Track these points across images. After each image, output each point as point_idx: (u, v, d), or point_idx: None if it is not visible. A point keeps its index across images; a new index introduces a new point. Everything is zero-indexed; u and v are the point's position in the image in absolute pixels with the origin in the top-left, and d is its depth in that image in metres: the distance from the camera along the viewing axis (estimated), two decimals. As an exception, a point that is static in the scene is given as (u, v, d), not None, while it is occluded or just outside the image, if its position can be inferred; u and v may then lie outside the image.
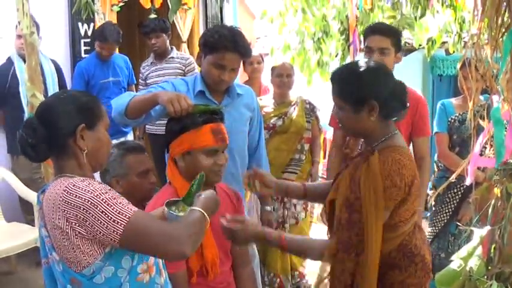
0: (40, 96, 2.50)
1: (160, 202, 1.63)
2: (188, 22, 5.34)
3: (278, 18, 4.58)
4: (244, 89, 2.43)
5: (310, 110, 3.46)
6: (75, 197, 1.29)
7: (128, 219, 1.28)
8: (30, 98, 2.53)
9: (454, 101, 3.21)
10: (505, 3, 1.41)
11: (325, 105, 3.07)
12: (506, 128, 1.49)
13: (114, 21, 4.48)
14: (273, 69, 3.48)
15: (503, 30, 1.44)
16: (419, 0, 4.08)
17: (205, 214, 1.39)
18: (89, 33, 4.52)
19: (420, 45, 4.41)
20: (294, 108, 3.40)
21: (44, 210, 1.37)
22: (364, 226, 1.62)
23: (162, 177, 3.04)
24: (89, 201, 1.28)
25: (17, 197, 3.82)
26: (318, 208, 4.12)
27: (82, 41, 4.54)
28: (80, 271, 1.33)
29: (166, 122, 1.92)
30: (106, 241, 1.30)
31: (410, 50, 5.20)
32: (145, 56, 5.25)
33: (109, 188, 1.36)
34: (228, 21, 5.59)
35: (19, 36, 3.57)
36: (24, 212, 3.89)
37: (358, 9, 4.16)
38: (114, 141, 2.43)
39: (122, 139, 4.10)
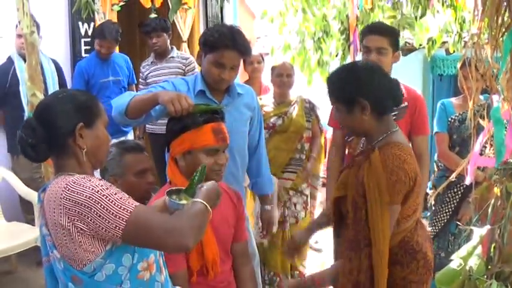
0: (40, 96, 2.51)
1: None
2: (188, 22, 5.35)
3: (278, 18, 4.58)
4: (244, 88, 2.43)
5: (310, 109, 3.46)
6: (77, 193, 1.29)
7: (129, 214, 1.29)
8: (30, 97, 2.54)
9: (454, 100, 3.21)
10: (505, 3, 1.41)
11: (325, 105, 3.07)
12: (506, 127, 1.49)
13: (115, 20, 4.48)
14: (273, 68, 3.48)
15: (504, 29, 1.44)
16: (419, 0, 4.08)
17: (208, 206, 1.39)
18: (89, 32, 4.52)
19: (420, 45, 4.41)
20: (294, 108, 3.40)
21: (45, 208, 1.37)
22: (369, 223, 1.64)
23: (162, 176, 3.04)
24: (90, 197, 1.29)
25: (17, 196, 3.82)
26: (318, 208, 4.12)
27: (82, 40, 4.54)
28: (81, 269, 1.34)
29: (166, 121, 1.93)
30: (108, 237, 1.31)
31: (411, 49, 5.20)
32: (145, 55, 5.25)
33: (109, 184, 1.36)
34: (228, 21, 5.60)
35: (19, 36, 3.57)
36: (24, 211, 3.89)
37: (358, 9, 4.16)
38: (114, 141, 2.43)
39: (122, 138, 4.10)
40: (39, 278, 3.48)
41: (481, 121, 1.64)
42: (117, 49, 4.41)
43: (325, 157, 3.67)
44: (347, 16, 4.29)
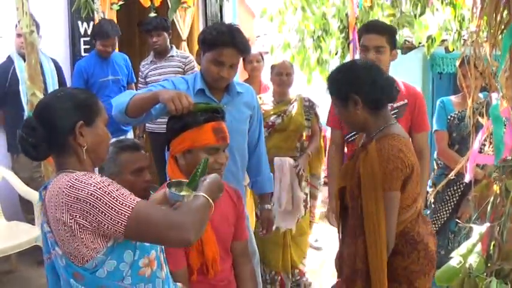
0: (40, 95, 2.51)
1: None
2: (188, 20, 5.34)
3: (278, 16, 4.57)
4: (244, 87, 2.43)
5: (309, 108, 3.46)
6: (78, 190, 1.30)
7: (131, 210, 1.30)
8: (30, 96, 2.54)
9: (453, 98, 3.21)
10: (503, 1, 1.41)
11: (324, 104, 3.08)
12: (505, 125, 1.49)
13: (114, 19, 4.48)
14: (272, 67, 3.48)
15: (502, 27, 1.44)
16: (418, -2, 4.09)
17: (209, 199, 1.40)
18: (89, 31, 4.52)
19: (420, 43, 4.41)
20: (293, 106, 3.40)
21: (46, 206, 1.38)
22: (364, 210, 1.70)
23: (162, 175, 3.05)
24: (92, 194, 1.29)
25: (17, 196, 3.82)
26: (319, 208, 4.13)
27: (82, 39, 4.54)
28: (83, 265, 1.35)
29: (166, 120, 1.93)
30: (110, 233, 1.31)
31: (410, 48, 5.19)
32: (145, 54, 5.25)
33: (111, 180, 1.37)
34: (228, 20, 5.59)
35: (19, 35, 3.58)
36: (24, 211, 3.89)
37: (358, 7, 4.16)
38: (113, 140, 2.43)
39: (122, 137, 4.10)
40: (39, 278, 3.48)
41: (480, 119, 1.64)
42: (116, 48, 4.41)
43: (325, 156, 3.67)
44: (346, 14, 4.29)
